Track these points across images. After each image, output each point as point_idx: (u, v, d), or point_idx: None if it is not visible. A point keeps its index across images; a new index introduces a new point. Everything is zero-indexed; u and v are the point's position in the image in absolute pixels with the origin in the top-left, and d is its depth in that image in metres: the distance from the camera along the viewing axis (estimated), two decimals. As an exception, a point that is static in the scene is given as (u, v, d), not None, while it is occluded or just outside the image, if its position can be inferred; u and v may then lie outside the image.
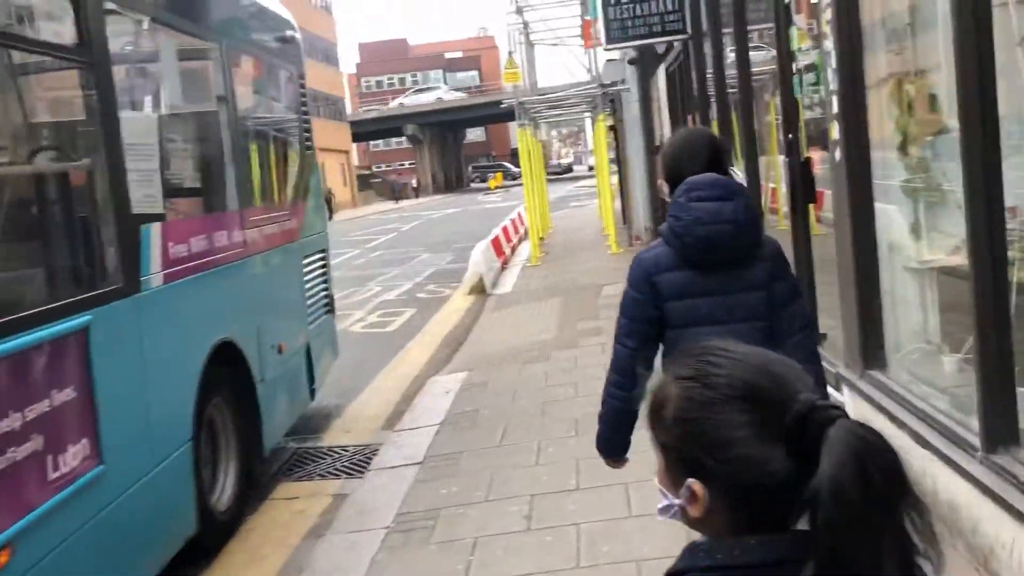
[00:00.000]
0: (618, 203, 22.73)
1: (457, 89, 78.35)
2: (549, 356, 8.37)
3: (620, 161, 20.37)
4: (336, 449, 6.62)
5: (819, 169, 5.67)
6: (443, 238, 26.03)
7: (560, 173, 76.00)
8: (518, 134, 16.92)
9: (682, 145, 2.89)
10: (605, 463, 2.96)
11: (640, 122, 16.04)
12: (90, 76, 3.94)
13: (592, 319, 9.79)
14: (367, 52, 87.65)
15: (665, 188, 2.87)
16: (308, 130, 7.42)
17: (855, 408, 4.67)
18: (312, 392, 6.86)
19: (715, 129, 8.71)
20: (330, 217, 51.55)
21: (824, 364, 3.36)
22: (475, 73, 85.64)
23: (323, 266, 7.52)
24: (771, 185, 7.54)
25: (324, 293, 7.48)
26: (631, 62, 15.77)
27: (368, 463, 6.13)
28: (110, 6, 4.11)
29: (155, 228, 4.35)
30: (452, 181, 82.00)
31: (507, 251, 18.05)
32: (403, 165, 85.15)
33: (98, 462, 3.63)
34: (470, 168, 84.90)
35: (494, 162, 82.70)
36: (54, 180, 4.05)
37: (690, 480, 1.07)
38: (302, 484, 6.00)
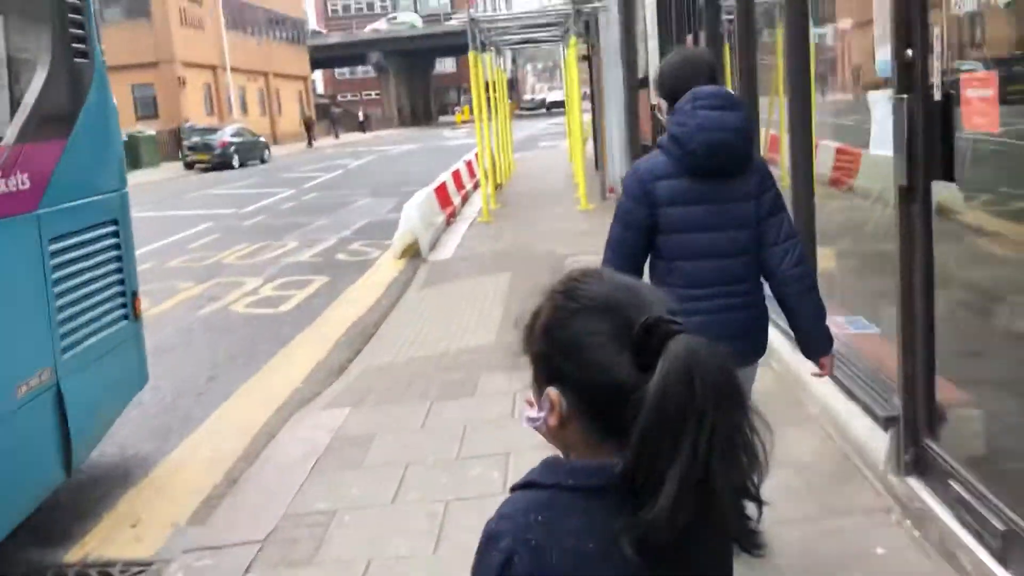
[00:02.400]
0: (590, 146, 19.90)
1: (429, 16, 74.27)
2: (476, 384, 5.64)
3: (595, 97, 17.40)
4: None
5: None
6: (393, 179, 23.03)
7: (534, 108, 72.55)
8: (470, 58, 13.92)
9: (683, 64, 2.92)
10: None
11: (620, 50, 13.12)
12: None
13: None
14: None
15: (664, 105, 2.90)
16: (80, 26, 4.48)
17: None
18: (67, 464, 4.10)
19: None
20: (309, 144, 49.30)
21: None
22: (448, 0, 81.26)
23: (110, 248, 4.67)
24: (772, 131, 5.80)
25: (111, 294, 4.66)
26: (612, -26, 12.79)
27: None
28: None
29: None
30: (420, 114, 78.29)
31: (456, 201, 15.18)
32: (370, 96, 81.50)
33: None
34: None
35: (465, 95, 79.20)
36: None
37: (549, 388, 1.15)
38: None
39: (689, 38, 7.87)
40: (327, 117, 58.34)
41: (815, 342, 2.91)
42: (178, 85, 39.74)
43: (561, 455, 1.18)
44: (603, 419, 1.11)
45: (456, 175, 16.45)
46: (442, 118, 79.10)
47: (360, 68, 79.26)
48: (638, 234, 2.79)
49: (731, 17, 6.28)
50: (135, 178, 30.85)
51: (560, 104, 72.61)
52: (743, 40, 5.76)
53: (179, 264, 11.80)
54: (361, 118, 58.32)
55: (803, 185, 4.91)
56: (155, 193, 24.28)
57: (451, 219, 13.87)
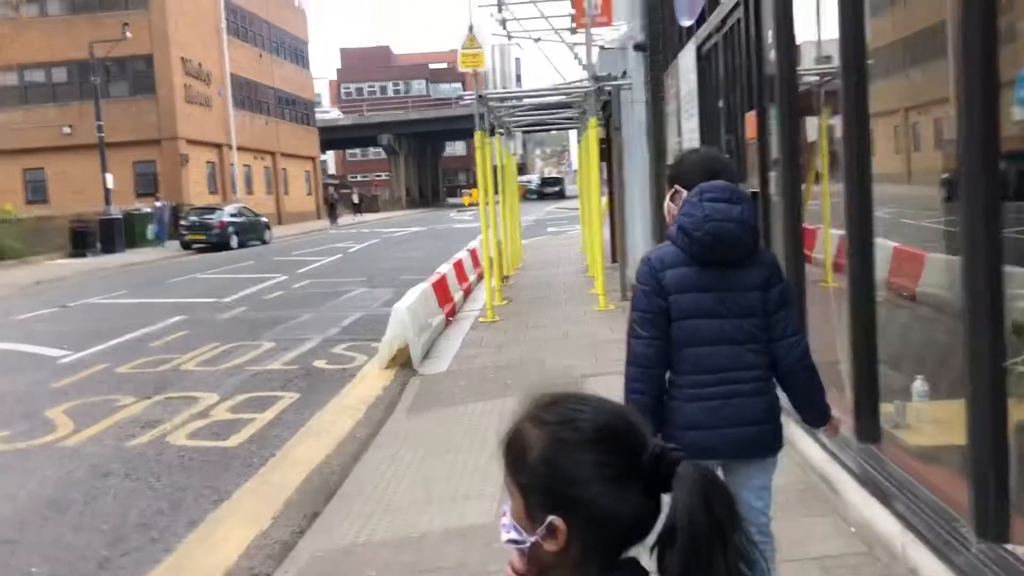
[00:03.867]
0: (605, 233, 18.31)
1: (440, 100, 74.16)
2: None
3: (612, 184, 15.87)
4: None
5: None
6: (392, 265, 21.50)
7: (531, 192, 70.31)
8: (476, 139, 12.41)
9: (701, 163, 3.12)
10: None
11: (648, 132, 11.61)
12: None
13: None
14: (348, 58, 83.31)
15: (682, 195, 3.03)
16: None
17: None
18: None
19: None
20: (333, 222, 48.70)
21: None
22: (459, 85, 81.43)
23: None
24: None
25: None
26: (637, 47, 11.37)
27: None
28: None
29: None
30: (428, 195, 77.70)
31: (457, 296, 13.52)
32: (380, 176, 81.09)
33: None
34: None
35: (472, 178, 78.59)
36: None
37: (552, 517, 1.15)
38: None
39: (750, 115, 6.29)
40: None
41: (816, 416, 3.10)
42: (180, 163, 38.72)
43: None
44: (607, 548, 1.15)
45: (458, 266, 14.83)
46: (450, 199, 78.53)
47: (372, 149, 79.06)
48: (658, 315, 2.88)
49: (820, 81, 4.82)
50: (127, 257, 29.87)
51: (554, 182, 71.69)
52: (852, 108, 4.17)
53: (130, 370, 10.09)
54: (356, 200, 56.23)
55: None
56: (141, 275, 22.77)
57: (451, 317, 12.19)
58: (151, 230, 33.15)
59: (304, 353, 10.66)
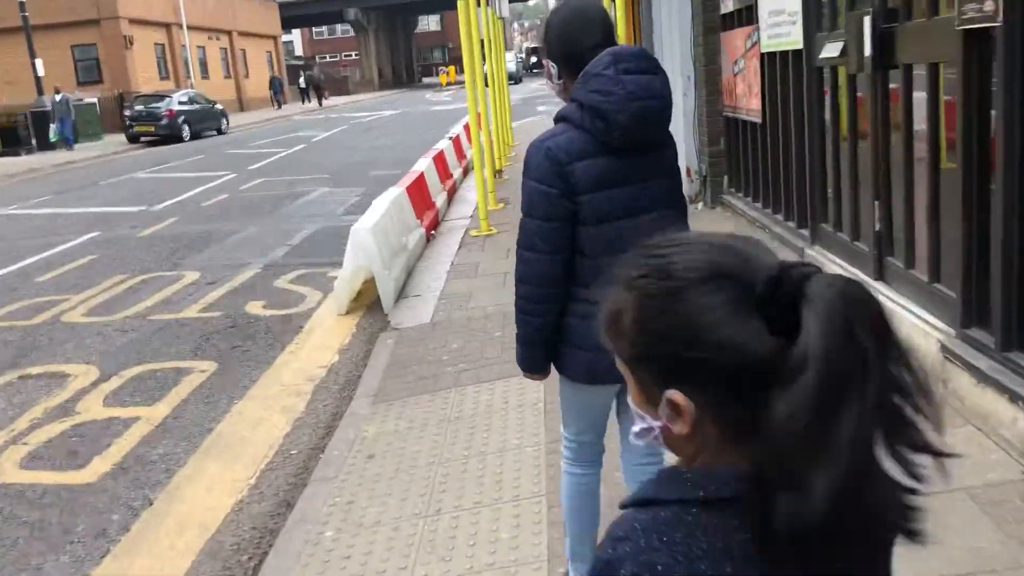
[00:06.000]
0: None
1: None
2: None
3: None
4: None
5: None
6: (361, 157, 18.49)
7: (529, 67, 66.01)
8: (459, 5, 9.28)
9: (572, 17, 2.46)
10: (530, 377, 2.59)
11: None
12: None
13: None
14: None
15: (554, 69, 2.47)
16: None
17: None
18: None
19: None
20: (320, 105, 44.43)
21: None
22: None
23: None
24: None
25: None
26: None
27: None
28: None
29: None
30: (402, 75, 73.23)
31: (440, 199, 10.67)
32: (350, 56, 76.49)
33: None
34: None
35: (449, 55, 74.22)
36: None
37: (669, 392, 0.92)
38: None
39: None
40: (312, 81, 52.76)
41: None
42: (124, 45, 34.78)
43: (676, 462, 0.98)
44: (742, 409, 0.88)
45: (439, 159, 11.90)
46: (426, 79, 74.27)
47: (340, 27, 74.11)
48: (562, 224, 2.35)
49: None
50: (64, 156, 26.40)
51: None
52: None
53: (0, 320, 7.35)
54: (303, 84, 49.16)
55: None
56: (76, 176, 19.57)
57: (432, 231, 9.41)
58: (53, 130, 26.35)
59: (237, 289, 7.91)
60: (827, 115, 5.65)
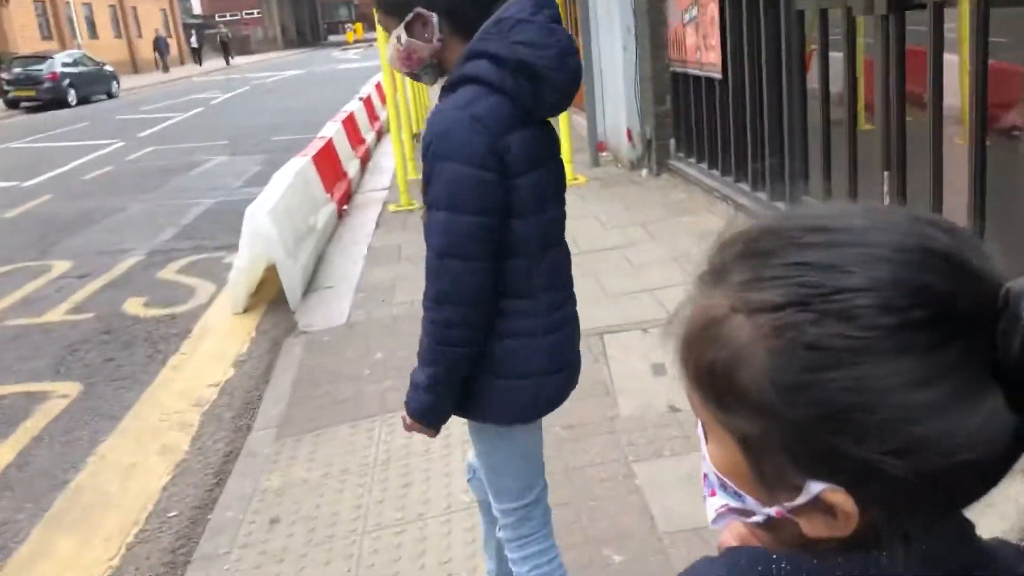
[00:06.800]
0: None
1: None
2: None
3: None
4: None
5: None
6: (264, 120, 17.08)
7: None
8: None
9: None
10: (421, 431, 1.97)
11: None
12: None
13: None
14: None
15: (435, 19, 1.85)
16: None
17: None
18: None
19: None
20: (227, 63, 41.95)
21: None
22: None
23: None
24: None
25: None
26: None
27: None
28: None
29: None
30: (307, 34, 70.50)
31: (353, 168, 9.55)
32: (251, 14, 73.27)
33: None
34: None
35: (356, 12, 71.73)
36: None
37: (823, 489, 0.56)
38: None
39: None
40: (206, 40, 49.71)
41: None
42: (-1, 2, 32.04)
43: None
44: (922, 511, 0.56)
45: (349, 123, 10.73)
46: (332, 37, 71.69)
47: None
48: (499, 221, 1.81)
49: None
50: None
51: None
52: None
53: None
54: (195, 43, 45.98)
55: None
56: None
57: (345, 204, 8.31)
58: None
59: (114, 282, 6.71)
60: (815, 71, 4.80)
